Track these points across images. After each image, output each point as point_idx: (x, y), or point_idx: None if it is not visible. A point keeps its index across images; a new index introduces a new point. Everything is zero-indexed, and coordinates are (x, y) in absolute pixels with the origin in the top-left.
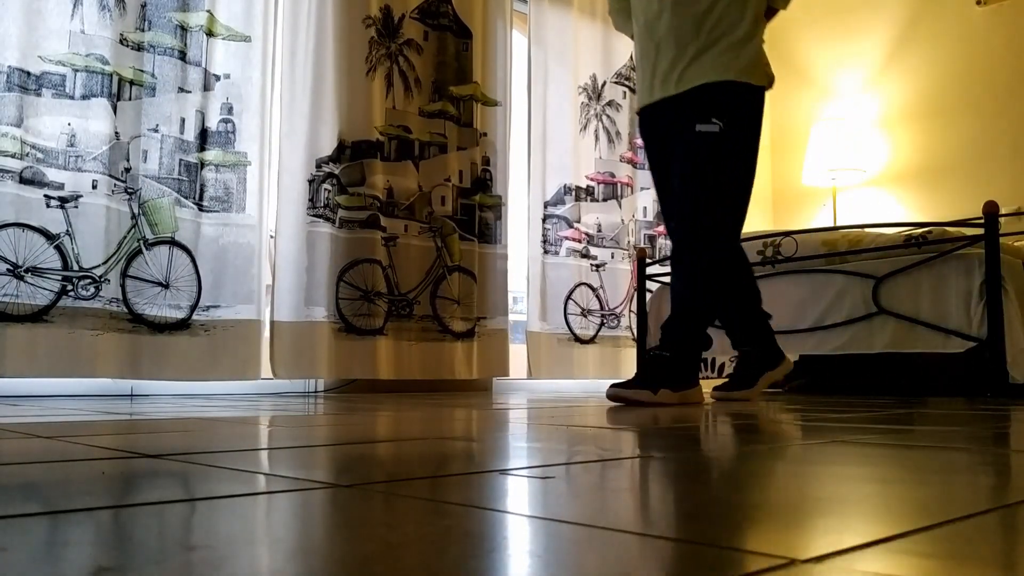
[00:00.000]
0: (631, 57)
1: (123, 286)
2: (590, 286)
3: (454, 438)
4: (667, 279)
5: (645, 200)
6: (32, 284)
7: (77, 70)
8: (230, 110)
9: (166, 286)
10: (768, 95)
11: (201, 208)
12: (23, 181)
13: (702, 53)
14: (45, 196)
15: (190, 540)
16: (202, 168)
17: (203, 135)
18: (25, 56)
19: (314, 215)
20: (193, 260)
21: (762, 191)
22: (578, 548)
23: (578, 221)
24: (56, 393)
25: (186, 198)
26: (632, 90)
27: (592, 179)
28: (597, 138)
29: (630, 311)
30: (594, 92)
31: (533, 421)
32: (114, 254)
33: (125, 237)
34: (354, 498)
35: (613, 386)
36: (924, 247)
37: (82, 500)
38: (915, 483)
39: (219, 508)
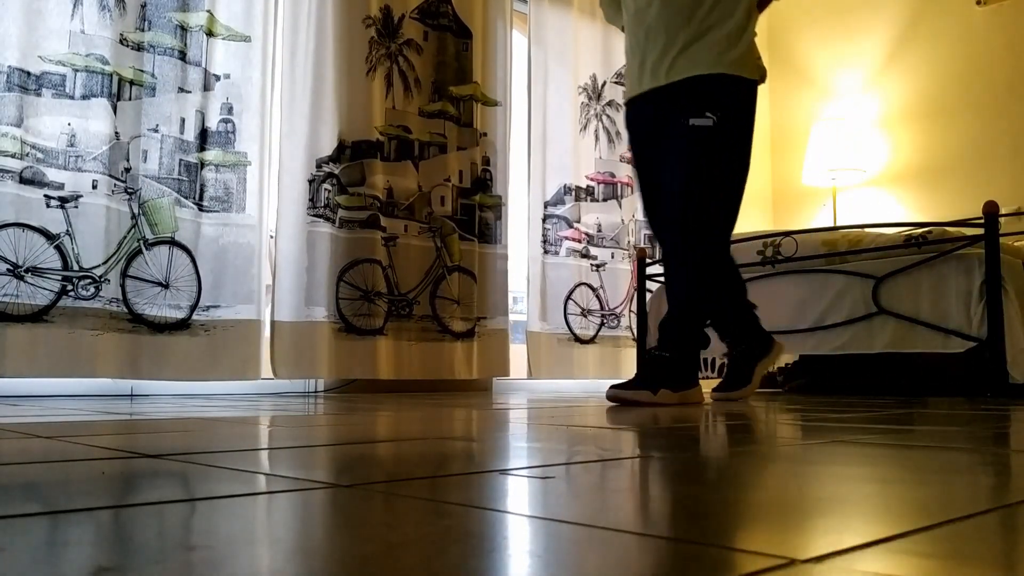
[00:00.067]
0: None
1: (123, 286)
2: (590, 286)
3: (454, 438)
4: None
5: None
6: (32, 284)
7: (77, 70)
8: (230, 110)
9: (166, 286)
10: (768, 95)
11: (201, 208)
12: (23, 181)
13: (693, 43)
14: (45, 196)
15: (190, 540)
16: (202, 168)
17: (203, 135)
18: (25, 56)
19: (314, 215)
20: (193, 260)
21: (762, 191)
22: (578, 548)
23: (578, 221)
24: (56, 393)
25: (186, 198)
26: None
27: (592, 179)
28: (597, 138)
29: (630, 311)
30: (594, 92)
31: (533, 421)
32: (114, 254)
33: (125, 237)
34: (354, 498)
35: (613, 387)
36: (924, 247)
37: (82, 500)
38: (915, 483)
39: (219, 508)
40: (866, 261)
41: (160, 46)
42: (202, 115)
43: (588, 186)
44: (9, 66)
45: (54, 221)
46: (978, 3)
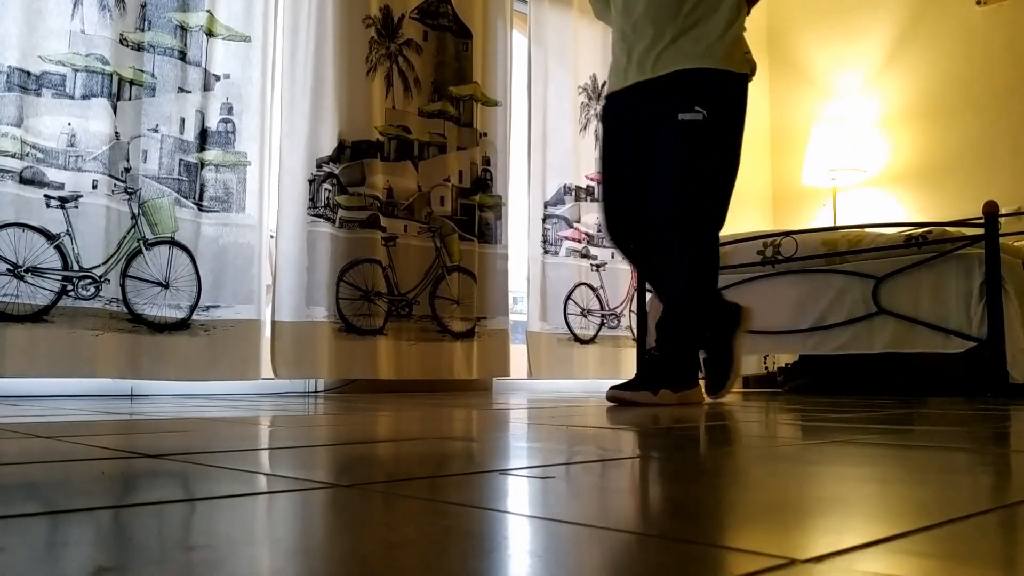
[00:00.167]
0: None
1: (123, 286)
2: (590, 286)
3: (454, 438)
4: None
5: None
6: (32, 284)
7: (77, 70)
8: (230, 110)
9: (166, 286)
10: (768, 95)
11: (201, 208)
12: (23, 181)
13: (680, 36)
14: (45, 196)
15: (190, 540)
16: (202, 168)
17: (203, 135)
18: (25, 56)
19: (314, 215)
20: (193, 260)
21: (762, 191)
22: (578, 548)
23: (578, 221)
24: (56, 393)
25: (186, 198)
26: None
27: (592, 179)
28: (597, 138)
29: (630, 311)
30: (594, 92)
31: (533, 421)
32: (114, 254)
33: (125, 237)
34: (354, 498)
35: (613, 388)
36: (924, 247)
37: (82, 500)
38: (915, 483)
39: (219, 508)
40: (866, 261)
41: (160, 46)
42: (202, 115)
43: (588, 186)
44: (9, 66)
45: (54, 221)
46: (978, 3)
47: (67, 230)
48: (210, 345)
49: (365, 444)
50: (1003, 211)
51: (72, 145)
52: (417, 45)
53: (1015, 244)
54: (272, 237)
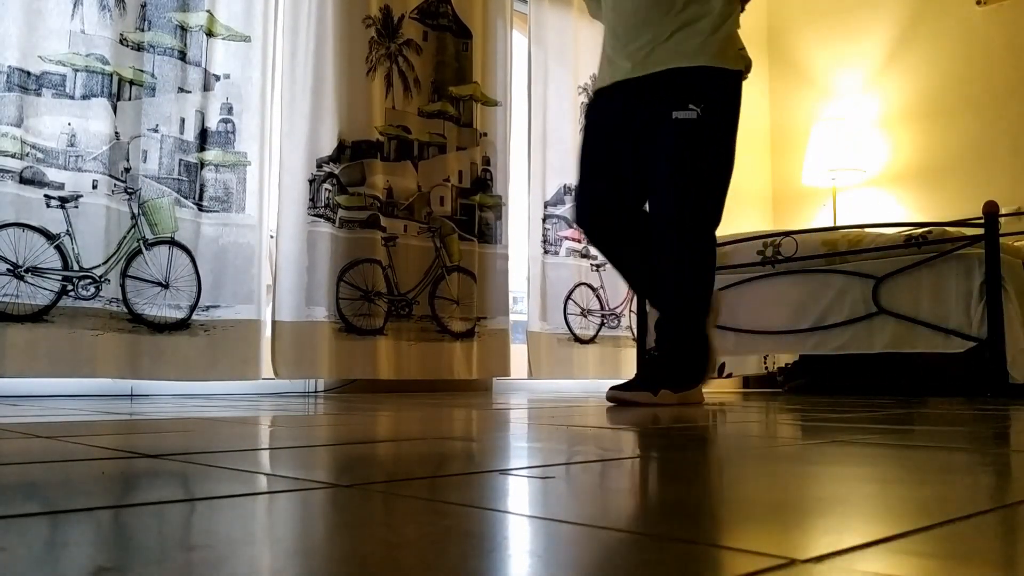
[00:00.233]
0: None
1: (123, 286)
2: (590, 286)
3: (454, 438)
4: None
5: None
6: (32, 284)
7: (77, 70)
8: (230, 110)
9: (166, 286)
10: (768, 95)
11: (201, 208)
12: (23, 181)
13: (673, 33)
14: (45, 196)
15: (190, 540)
16: (202, 168)
17: (203, 135)
18: (25, 56)
19: (314, 215)
20: (193, 260)
21: (762, 191)
22: (578, 548)
23: None
24: (56, 393)
25: (186, 198)
26: None
27: None
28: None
29: (630, 311)
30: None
31: (533, 421)
32: (114, 254)
33: (125, 237)
34: (354, 498)
35: (613, 388)
36: (924, 247)
37: (82, 500)
38: (915, 483)
39: (219, 508)
40: (866, 261)
41: (160, 46)
42: (202, 115)
43: None
44: (9, 66)
45: (54, 221)
46: (978, 3)
47: (67, 230)
48: (210, 345)
49: (365, 444)
50: (1003, 211)
51: (72, 145)
52: (417, 45)
53: (1015, 244)
54: (272, 237)
